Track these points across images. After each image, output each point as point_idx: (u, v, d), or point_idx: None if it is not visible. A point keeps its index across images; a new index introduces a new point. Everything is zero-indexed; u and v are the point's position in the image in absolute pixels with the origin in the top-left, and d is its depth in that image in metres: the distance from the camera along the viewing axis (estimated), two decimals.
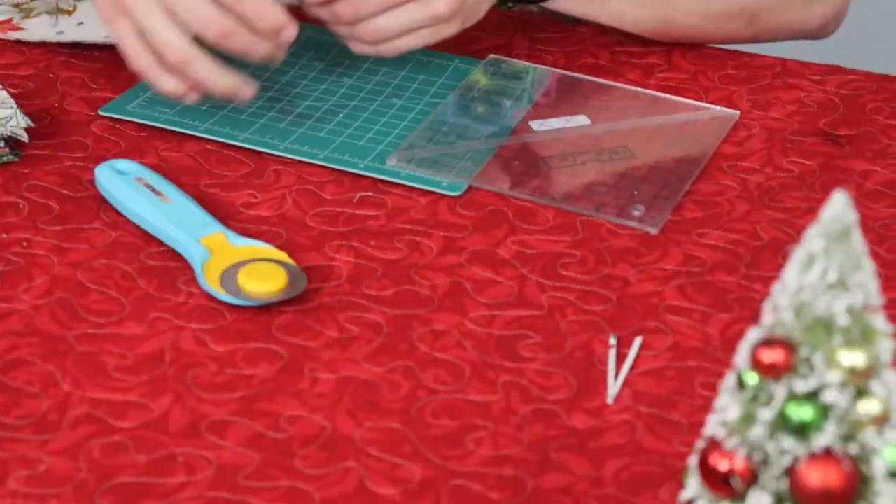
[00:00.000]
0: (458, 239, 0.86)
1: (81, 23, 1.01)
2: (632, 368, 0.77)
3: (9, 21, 1.03)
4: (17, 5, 1.05)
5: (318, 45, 1.03)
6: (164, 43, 0.87)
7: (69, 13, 1.03)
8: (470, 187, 0.90)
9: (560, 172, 0.91)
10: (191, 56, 0.88)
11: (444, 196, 0.90)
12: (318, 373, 0.76)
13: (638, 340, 0.79)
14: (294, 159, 0.93)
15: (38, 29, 1.02)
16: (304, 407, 0.74)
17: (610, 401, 0.75)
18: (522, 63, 1.02)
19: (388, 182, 0.91)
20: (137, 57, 0.89)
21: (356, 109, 0.97)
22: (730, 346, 0.78)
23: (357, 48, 0.95)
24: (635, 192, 0.90)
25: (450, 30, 0.94)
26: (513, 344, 0.79)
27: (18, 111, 0.90)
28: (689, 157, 0.93)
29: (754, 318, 0.55)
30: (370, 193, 0.90)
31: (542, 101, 0.99)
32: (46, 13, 1.03)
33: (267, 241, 0.85)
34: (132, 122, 0.95)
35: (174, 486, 0.69)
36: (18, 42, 1.02)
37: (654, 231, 0.87)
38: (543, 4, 1.01)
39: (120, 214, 0.87)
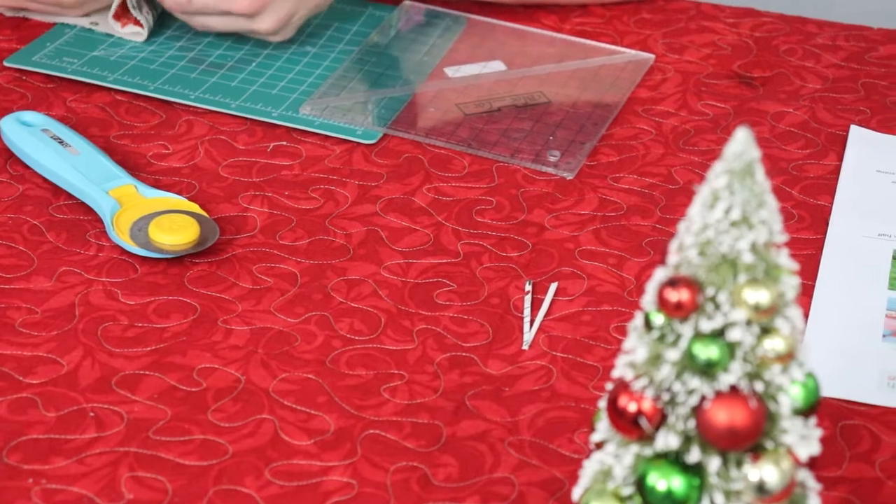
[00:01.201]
0: (374, 187, 0.86)
1: None
2: (547, 314, 0.77)
3: None
4: None
5: None
6: None
7: None
8: (385, 135, 0.90)
9: (476, 119, 0.91)
10: None
11: (358, 144, 0.89)
12: (232, 325, 0.75)
13: (553, 286, 0.79)
14: (206, 109, 0.91)
15: None
16: (218, 359, 0.73)
17: (525, 347, 0.75)
18: (436, 9, 1.01)
19: (302, 131, 0.90)
20: None
21: (269, 58, 0.96)
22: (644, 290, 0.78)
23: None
24: (551, 138, 0.89)
25: (275, 38, 0.95)
26: (428, 292, 0.78)
27: None
28: (604, 102, 0.93)
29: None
30: (284, 143, 0.89)
31: (457, 47, 0.98)
32: None
33: (179, 192, 0.84)
34: (39, 74, 0.93)
35: (84, 442, 0.68)
36: None
37: (569, 176, 0.87)
38: None
39: (27, 167, 0.85)
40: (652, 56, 0.98)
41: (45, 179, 0.84)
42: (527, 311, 0.77)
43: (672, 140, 0.90)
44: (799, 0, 1.15)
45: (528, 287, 0.78)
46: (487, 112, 0.91)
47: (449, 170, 0.87)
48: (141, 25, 0.96)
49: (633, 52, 0.98)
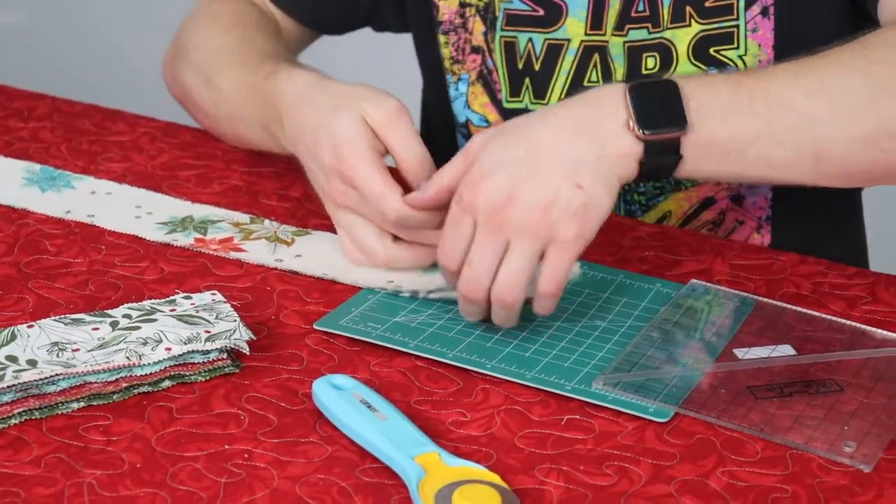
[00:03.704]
0: (667, 467, 0.87)
1: (300, 255, 1.06)
2: None
3: (230, 240, 1.08)
4: (237, 224, 1.10)
5: None
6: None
7: (287, 244, 1.08)
8: (676, 414, 0.91)
9: (767, 403, 0.92)
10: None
11: (651, 422, 0.90)
12: None
13: None
14: (501, 378, 0.94)
15: (258, 253, 1.06)
16: None
17: None
18: (724, 289, 1.04)
19: (594, 405, 0.92)
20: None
21: (560, 330, 0.99)
22: None
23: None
24: (845, 428, 0.89)
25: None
26: None
27: (241, 324, 0.94)
28: None
29: None
30: (577, 417, 0.91)
31: (745, 328, 0.99)
32: (266, 239, 1.08)
33: (477, 461, 0.86)
34: (345, 337, 0.98)
35: None
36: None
37: (866, 469, 0.86)
38: (681, 172, 0.95)
39: (335, 429, 0.89)
40: None
41: (352, 442, 0.88)
42: None
43: None
44: None
45: None
46: (779, 397, 0.92)
47: (742, 454, 0.88)
48: None
49: None
